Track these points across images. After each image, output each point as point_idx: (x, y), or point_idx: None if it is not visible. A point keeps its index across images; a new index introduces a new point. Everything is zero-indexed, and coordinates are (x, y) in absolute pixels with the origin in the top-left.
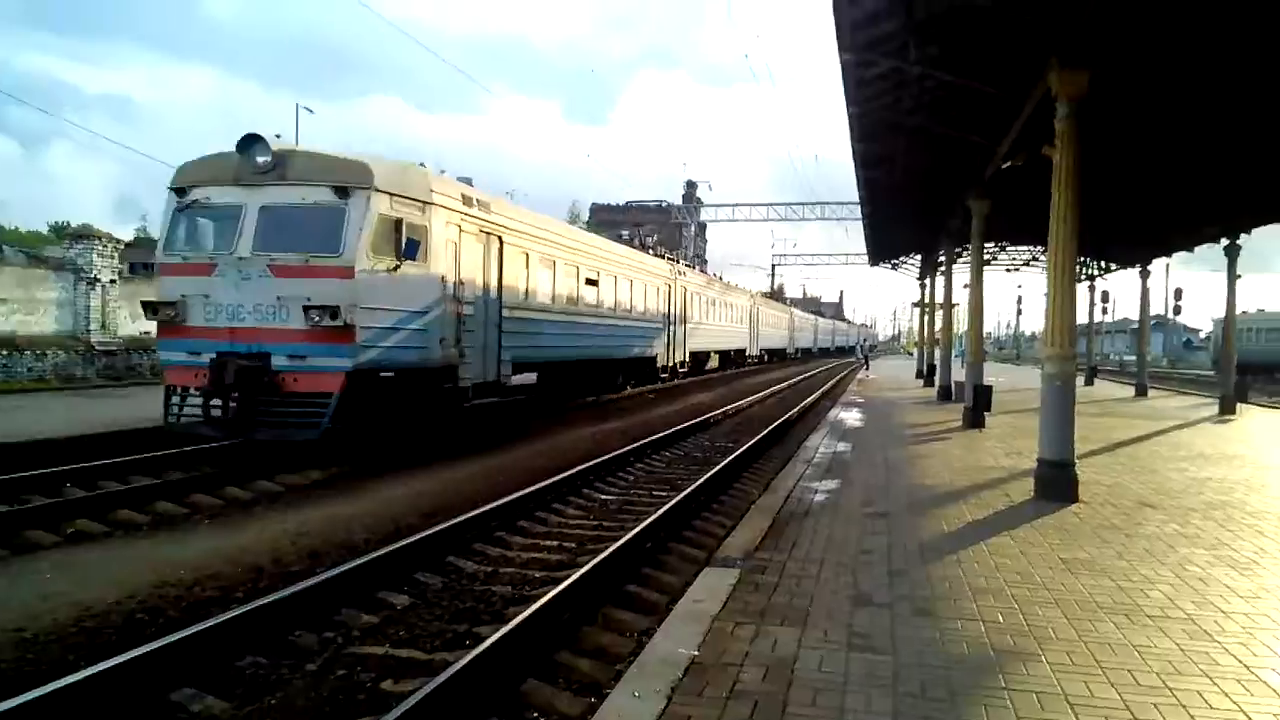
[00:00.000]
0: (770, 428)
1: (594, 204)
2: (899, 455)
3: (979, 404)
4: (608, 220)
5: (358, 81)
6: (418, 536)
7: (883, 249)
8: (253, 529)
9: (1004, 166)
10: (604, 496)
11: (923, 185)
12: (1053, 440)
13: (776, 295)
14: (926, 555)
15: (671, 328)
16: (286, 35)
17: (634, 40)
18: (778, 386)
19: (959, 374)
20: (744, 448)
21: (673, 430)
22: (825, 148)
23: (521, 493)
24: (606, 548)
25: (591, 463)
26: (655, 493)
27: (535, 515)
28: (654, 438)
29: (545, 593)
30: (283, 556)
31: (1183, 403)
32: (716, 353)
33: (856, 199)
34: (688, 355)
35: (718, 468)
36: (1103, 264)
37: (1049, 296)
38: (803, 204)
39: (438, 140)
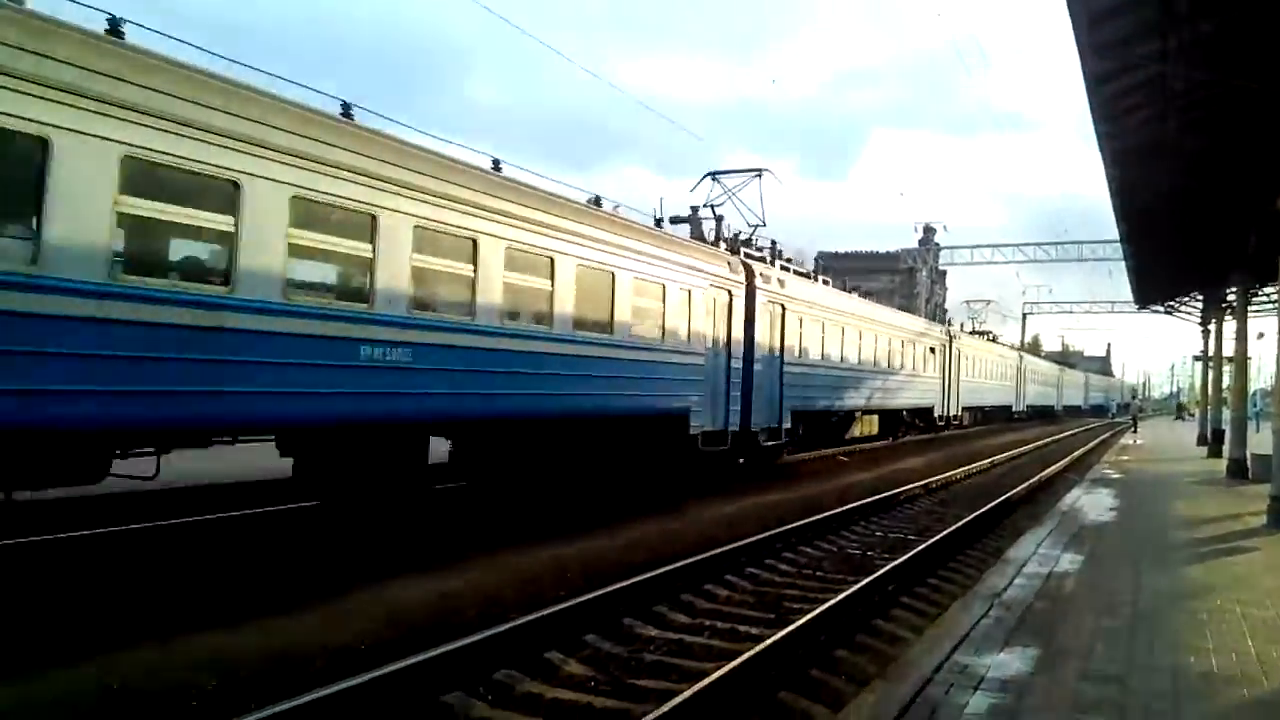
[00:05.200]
0: (975, 514)
1: (819, 252)
2: (1160, 587)
3: None
4: (834, 268)
5: (613, 152)
6: None
7: (1151, 287)
8: None
9: None
10: (655, 633)
11: (1202, 186)
12: None
13: (1031, 348)
14: None
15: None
16: (546, 114)
17: (873, 96)
18: (1026, 447)
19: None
20: (920, 548)
21: (845, 509)
22: (1079, 185)
23: (513, 623)
24: None
25: (694, 559)
26: (741, 628)
27: (494, 680)
28: (811, 520)
29: None
30: None
31: None
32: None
33: (1117, 237)
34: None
35: (847, 593)
36: None
37: None
38: (1055, 244)
39: (676, 199)
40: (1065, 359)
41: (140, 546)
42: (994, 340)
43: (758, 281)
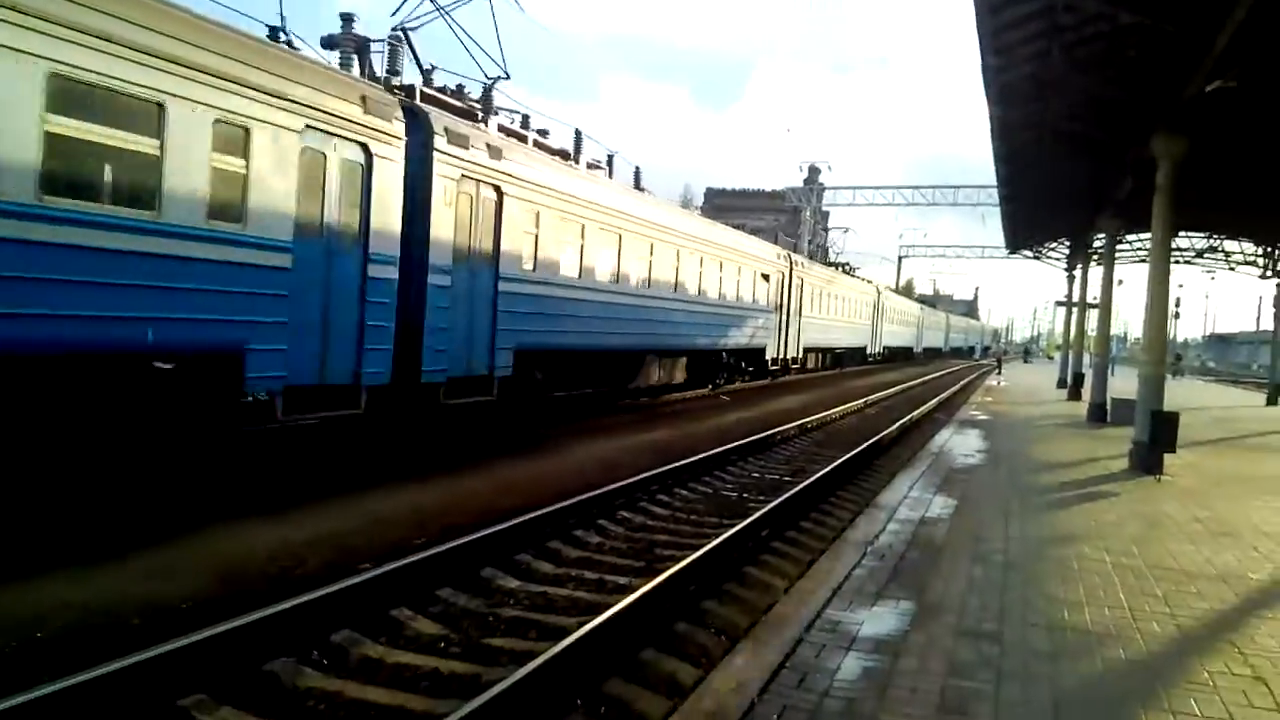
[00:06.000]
0: (848, 455)
1: (708, 188)
2: (1029, 534)
3: (1159, 440)
4: (723, 205)
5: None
6: None
7: (1023, 232)
8: None
9: (1208, 89)
10: (513, 585)
11: (1083, 128)
12: None
13: (905, 291)
14: None
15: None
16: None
17: (762, 28)
18: (890, 390)
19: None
20: (794, 490)
21: (720, 450)
22: (959, 141)
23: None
24: None
25: (561, 504)
26: (609, 578)
27: (332, 643)
28: (686, 462)
29: None
30: None
31: None
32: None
33: (994, 183)
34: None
35: (716, 541)
36: None
37: None
38: (933, 187)
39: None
40: (933, 301)
41: None
42: (849, 272)
43: (439, 142)
